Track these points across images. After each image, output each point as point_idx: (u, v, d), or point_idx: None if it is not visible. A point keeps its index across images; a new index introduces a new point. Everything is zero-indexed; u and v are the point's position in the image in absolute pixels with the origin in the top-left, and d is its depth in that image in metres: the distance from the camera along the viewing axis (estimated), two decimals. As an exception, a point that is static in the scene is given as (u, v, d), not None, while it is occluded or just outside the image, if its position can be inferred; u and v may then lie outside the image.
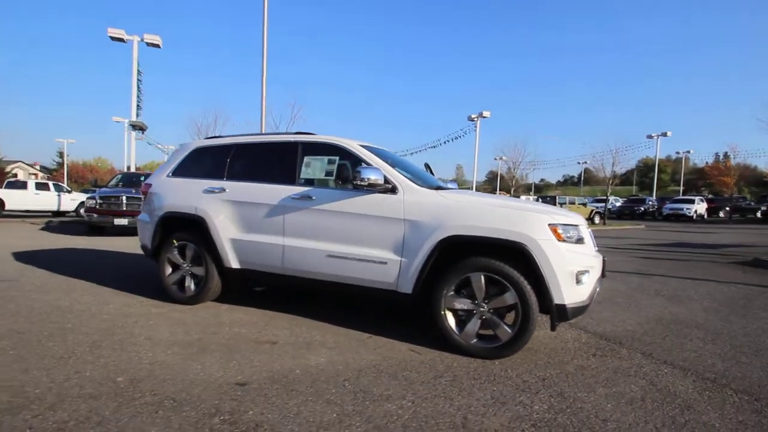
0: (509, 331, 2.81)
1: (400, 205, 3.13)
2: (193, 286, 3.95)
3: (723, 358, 3.04)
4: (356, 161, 3.47)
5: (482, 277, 2.86)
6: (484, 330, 2.93)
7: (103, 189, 10.91)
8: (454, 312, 2.99)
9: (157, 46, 16.30)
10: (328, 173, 3.55)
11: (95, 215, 10.10)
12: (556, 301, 2.73)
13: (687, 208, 25.59)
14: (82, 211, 14.31)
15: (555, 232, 2.79)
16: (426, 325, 3.48)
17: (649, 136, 33.88)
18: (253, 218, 3.66)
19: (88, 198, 10.72)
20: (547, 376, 2.63)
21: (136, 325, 3.34)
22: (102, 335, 3.07)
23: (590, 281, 2.89)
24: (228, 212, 3.76)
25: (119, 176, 12.24)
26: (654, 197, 32.74)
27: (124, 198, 10.11)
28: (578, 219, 3.06)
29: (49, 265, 5.76)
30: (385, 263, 3.14)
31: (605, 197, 23.28)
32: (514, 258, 2.83)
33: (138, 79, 16.39)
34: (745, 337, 3.55)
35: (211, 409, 2.07)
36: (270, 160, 3.86)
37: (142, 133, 16.88)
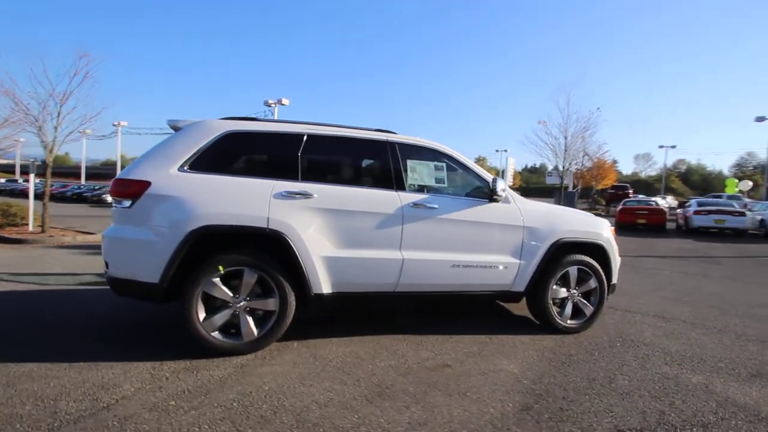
0: (591, 307, 3.72)
1: (519, 213, 3.46)
2: (254, 328, 2.85)
3: (664, 306, 4.97)
4: (463, 169, 3.50)
5: (576, 269, 3.64)
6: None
7: None
8: (553, 301, 3.64)
9: None
10: (438, 180, 3.40)
11: None
12: (613, 281, 3.85)
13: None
14: None
15: (613, 232, 3.90)
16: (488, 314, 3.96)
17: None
18: (359, 230, 3.04)
19: None
20: (631, 337, 3.66)
21: (255, 399, 2.27)
22: (260, 425, 1.99)
23: None
24: (319, 224, 2.95)
25: None
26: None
27: None
28: None
29: None
30: (506, 267, 3.42)
31: None
32: (590, 252, 3.74)
33: None
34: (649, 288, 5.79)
35: None
36: (364, 161, 3.25)
37: None
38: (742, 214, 13.84)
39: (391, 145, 3.30)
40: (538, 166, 62.59)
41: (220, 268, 2.75)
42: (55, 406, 2.11)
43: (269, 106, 26.33)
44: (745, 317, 4.44)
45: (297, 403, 2.23)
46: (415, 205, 3.17)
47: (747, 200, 21.85)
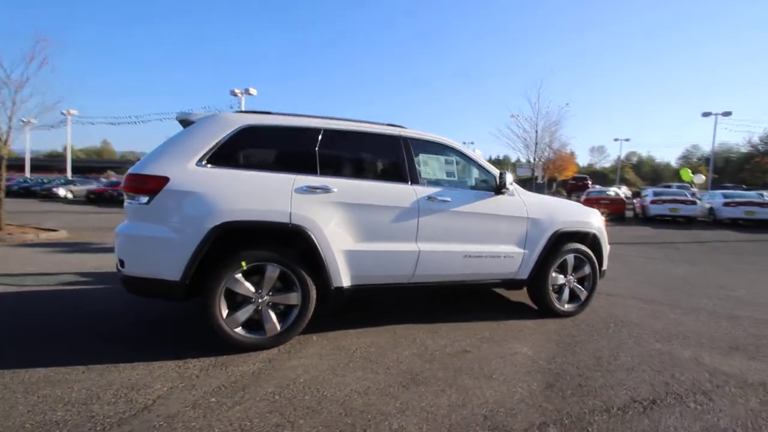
0: (586, 292, 3.98)
1: (523, 205, 3.64)
2: (277, 322, 2.86)
3: (624, 289, 5.36)
4: (470, 163, 3.62)
5: (573, 257, 3.88)
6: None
7: None
8: (552, 287, 3.86)
9: None
10: (449, 174, 3.51)
11: None
12: (603, 267, 4.13)
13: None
14: None
15: (604, 222, 4.17)
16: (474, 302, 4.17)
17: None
18: (377, 224, 3.10)
19: None
20: (621, 319, 3.96)
21: (296, 391, 2.31)
22: (308, 415, 2.03)
23: None
24: (340, 218, 2.97)
25: None
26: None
27: None
28: None
29: None
30: (512, 256, 3.59)
31: None
32: (584, 241, 3.99)
33: None
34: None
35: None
36: (379, 155, 3.29)
37: None
38: (694, 203, 15.05)
39: (404, 139, 3.36)
40: (502, 158, 64.47)
41: (243, 263, 2.73)
42: (90, 410, 2.04)
43: (235, 95, 25.46)
44: (712, 297, 4.90)
45: (337, 393, 2.28)
46: (430, 198, 3.26)
47: (694, 190, 23.70)
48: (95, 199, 22.46)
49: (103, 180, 32.30)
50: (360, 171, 3.26)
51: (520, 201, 3.65)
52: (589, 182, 29.47)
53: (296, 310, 2.91)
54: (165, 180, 2.64)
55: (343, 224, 3.00)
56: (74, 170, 38.69)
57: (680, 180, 27.33)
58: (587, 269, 3.95)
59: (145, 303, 3.81)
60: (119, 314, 3.61)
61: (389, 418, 2.06)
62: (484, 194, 3.52)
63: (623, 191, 27.78)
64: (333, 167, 3.10)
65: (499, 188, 3.50)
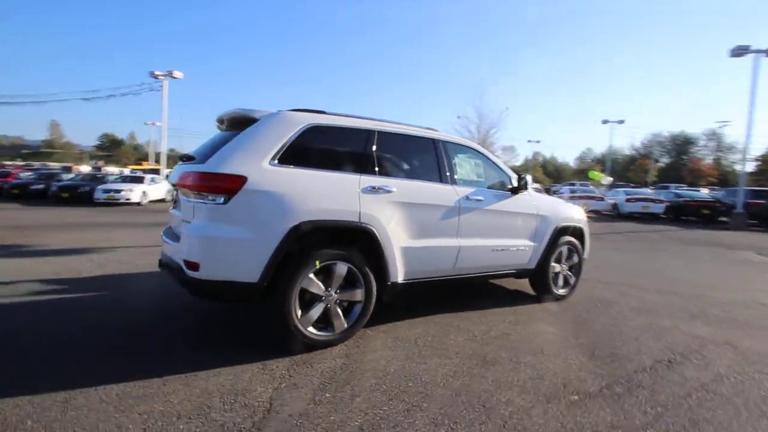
0: (574, 278, 4.64)
1: (534, 203, 4.13)
2: (343, 319, 2.95)
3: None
4: (492, 165, 4.00)
5: (566, 249, 4.50)
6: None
7: None
8: (552, 275, 4.44)
9: None
10: (478, 175, 3.84)
11: None
12: (585, 256, 4.85)
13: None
14: None
15: (587, 216, 4.87)
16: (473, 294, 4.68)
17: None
18: (428, 221, 3.32)
19: None
20: (601, 299, 4.69)
21: (397, 381, 2.48)
22: (427, 399, 2.21)
23: None
24: (398, 217, 3.14)
25: None
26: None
27: None
28: None
29: None
30: (525, 249, 4.08)
31: None
32: (573, 234, 4.64)
33: None
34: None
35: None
36: (423, 157, 3.49)
37: None
38: (602, 199, 17.61)
39: (443, 143, 3.62)
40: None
41: (317, 262, 2.77)
42: (211, 419, 1.99)
43: (156, 78, 23.25)
44: (652, 279, 5.96)
45: (434, 378, 2.49)
46: (467, 198, 3.57)
47: (592, 187, 27.47)
48: (-22, 193, 18.81)
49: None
50: (410, 172, 3.44)
51: (531, 200, 4.14)
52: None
53: (360, 306, 3.03)
54: (243, 179, 2.57)
55: (401, 222, 3.18)
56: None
57: (578, 178, 31.24)
58: (575, 258, 4.60)
59: (158, 310, 3.58)
60: (140, 323, 3.32)
61: (494, 393, 2.34)
62: (505, 194, 3.94)
63: (539, 188, 31.09)
64: (388, 168, 3.25)
65: (518, 189, 3.94)
